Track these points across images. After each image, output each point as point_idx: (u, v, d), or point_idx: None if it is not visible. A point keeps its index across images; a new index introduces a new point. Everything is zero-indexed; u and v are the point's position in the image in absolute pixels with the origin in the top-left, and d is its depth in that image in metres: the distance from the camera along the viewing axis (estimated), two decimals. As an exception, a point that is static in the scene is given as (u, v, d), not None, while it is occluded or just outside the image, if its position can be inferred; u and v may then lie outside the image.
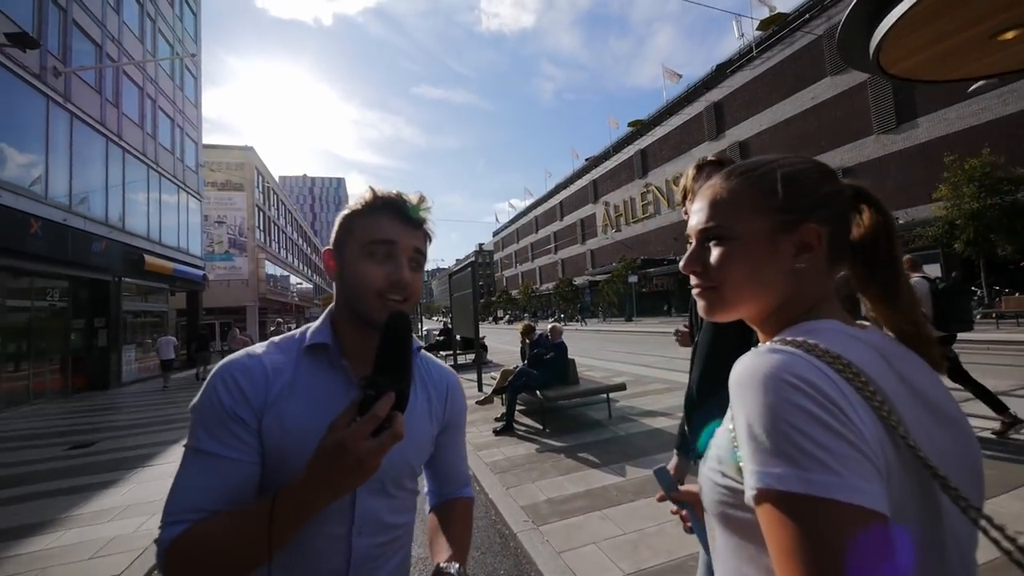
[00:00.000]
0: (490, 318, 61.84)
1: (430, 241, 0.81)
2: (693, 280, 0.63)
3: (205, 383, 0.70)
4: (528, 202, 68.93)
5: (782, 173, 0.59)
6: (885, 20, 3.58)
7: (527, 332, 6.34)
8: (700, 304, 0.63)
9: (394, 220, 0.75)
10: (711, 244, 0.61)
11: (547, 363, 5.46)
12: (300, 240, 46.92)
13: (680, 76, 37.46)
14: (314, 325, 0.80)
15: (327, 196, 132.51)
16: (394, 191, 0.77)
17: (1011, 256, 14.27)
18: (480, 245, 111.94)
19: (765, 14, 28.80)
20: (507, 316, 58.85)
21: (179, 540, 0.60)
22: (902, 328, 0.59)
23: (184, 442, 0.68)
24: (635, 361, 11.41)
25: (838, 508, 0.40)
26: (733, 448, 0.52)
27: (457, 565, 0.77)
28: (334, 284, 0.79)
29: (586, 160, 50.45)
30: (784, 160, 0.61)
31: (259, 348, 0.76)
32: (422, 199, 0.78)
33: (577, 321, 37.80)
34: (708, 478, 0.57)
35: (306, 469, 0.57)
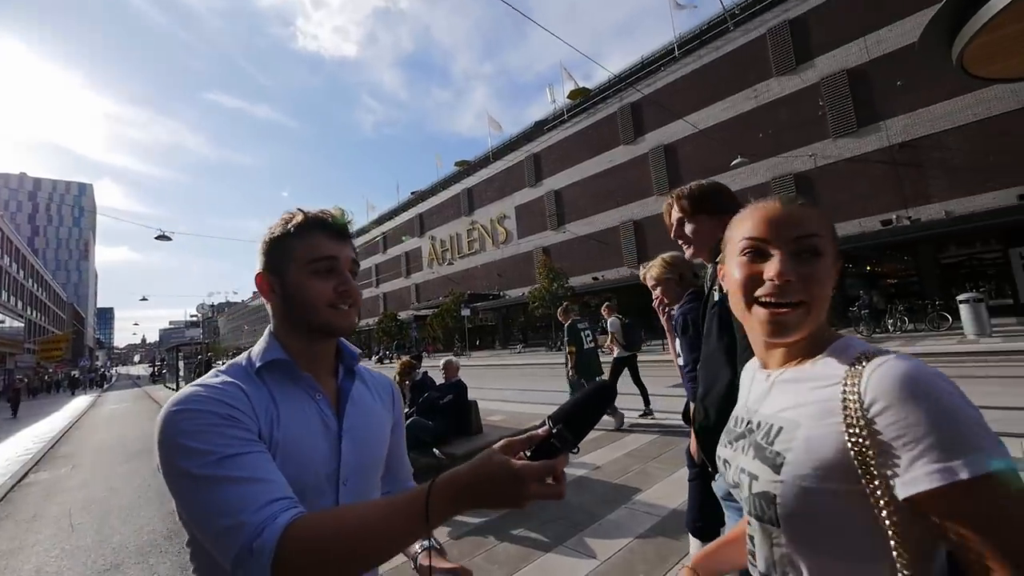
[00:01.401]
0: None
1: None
2: (778, 292, 0.64)
3: (162, 421, 0.66)
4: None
5: (828, 214, 0.70)
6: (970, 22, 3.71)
7: (406, 372, 4.90)
8: (778, 324, 0.65)
9: (329, 237, 0.80)
10: (807, 255, 0.65)
11: (444, 409, 4.22)
12: (8, 261, 33.23)
13: (500, 127, 40.59)
14: (257, 347, 0.81)
15: (61, 206, 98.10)
16: (315, 209, 0.82)
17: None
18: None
19: (572, 86, 33.66)
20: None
21: (297, 527, 0.57)
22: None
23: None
24: (529, 399, 10.16)
25: (1011, 466, 0.50)
26: (859, 458, 0.56)
27: (429, 540, 0.82)
28: (271, 304, 0.82)
29: (412, 193, 49.83)
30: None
31: (209, 380, 0.74)
32: (342, 212, 0.83)
33: (387, 359, 35.15)
34: (802, 489, 0.60)
35: (468, 470, 0.58)
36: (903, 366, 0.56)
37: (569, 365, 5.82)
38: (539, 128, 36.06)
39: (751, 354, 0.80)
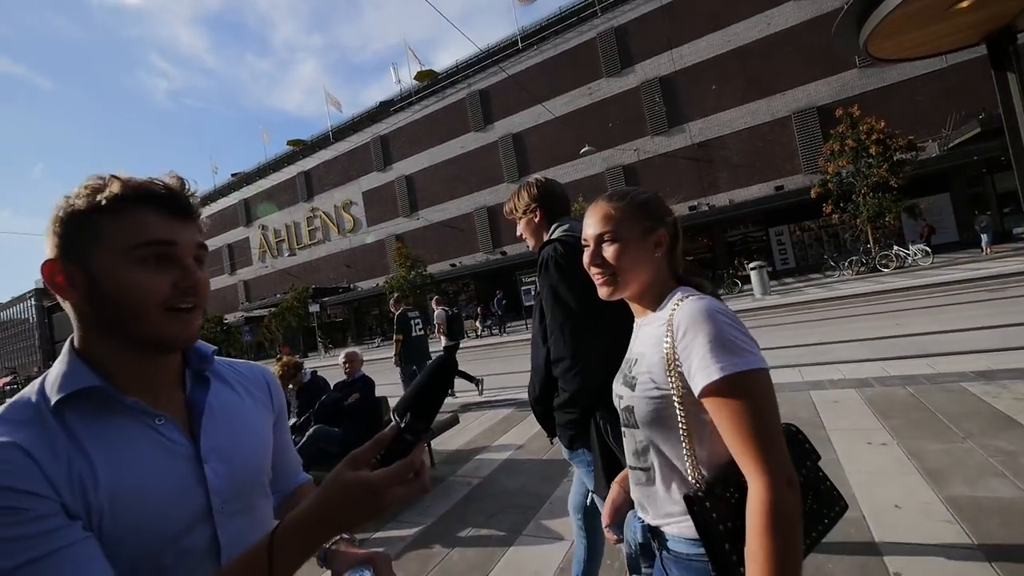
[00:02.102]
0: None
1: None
2: (595, 271, 0.94)
3: None
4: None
5: (642, 198, 0.94)
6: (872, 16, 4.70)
7: (290, 373, 3.93)
8: (604, 290, 0.93)
9: (161, 214, 0.59)
10: (605, 244, 0.92)
11: (350, 411, 3.54)
12: None
13: (340, 105, 37.19)
14: (53, 372, 0.58)
15: None
16: (140, 177, 0.60)
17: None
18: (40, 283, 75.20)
19: (417, 66, 32.51)
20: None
21: None
22: (695, 286, 0.94)
23: None
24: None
25: (763, 371, 0.76)
26: (667, 366, 0.82)
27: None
28: (70, 305, 0.59)
29: (233, 175, 42.54)
30: (640, 190, 0.97)
31: None
32: (182, 182, 0.63)
33: None
34: (643, 397, 0.86)
35: (313, 505, 0.53)
36: (698, 303, 0.82)
37: (394, 352, 6.09)
38: (385, 109, 34.01)
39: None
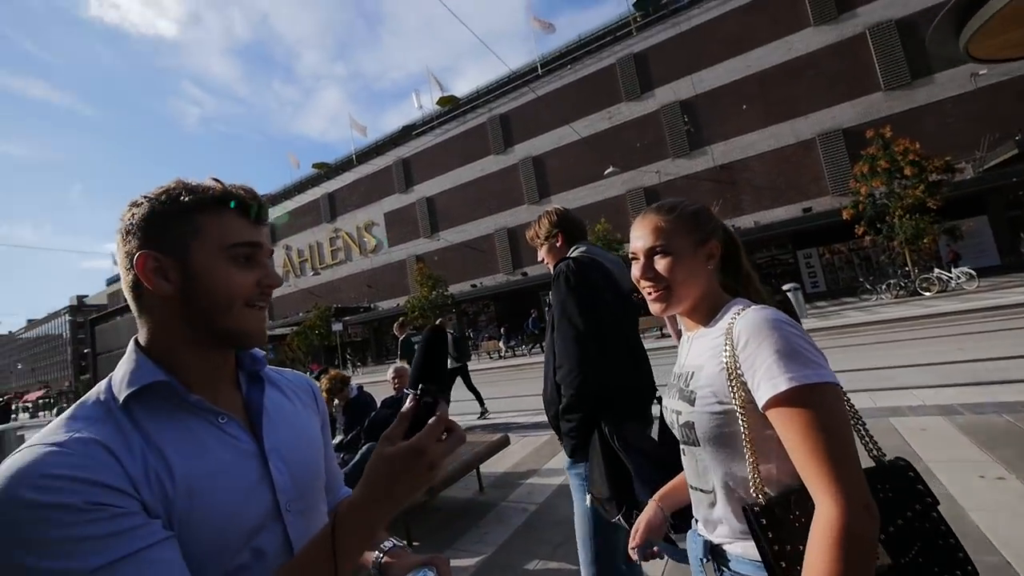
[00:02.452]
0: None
1: None
2: (646, 286, 0.91)
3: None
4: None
5: (692, 209, 0.92)
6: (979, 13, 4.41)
7: (338, 387, 3.79)
8: (657, 305, 0.90)
9: (246, 219, 0.64)
10: (657, 258, 0.89)
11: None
12: None
13: (365, 130, 38.26)
14: (119, 371, 0.60)
15: None
16: (213, 181, 0.64)
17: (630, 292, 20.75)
18: (80, 299, 77.74)
19: (439, 92, 33.40)
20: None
21: None
22: (756, 300, 0.90)
23: None
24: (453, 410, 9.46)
25: (833, 385, 0.71)
26: (729, 380, 0.78)
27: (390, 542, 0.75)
28: (158, 297, 0.60)
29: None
30: (688, 202, 0.94)
31: (53, 436, 0.51)
32: (255, 194, 0.67)
33: None
34: (705, 412, 0.82)
35: (365, 486, 0.54)
36: (761, 312, 0.79)
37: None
38: (407, 133, 34.88)
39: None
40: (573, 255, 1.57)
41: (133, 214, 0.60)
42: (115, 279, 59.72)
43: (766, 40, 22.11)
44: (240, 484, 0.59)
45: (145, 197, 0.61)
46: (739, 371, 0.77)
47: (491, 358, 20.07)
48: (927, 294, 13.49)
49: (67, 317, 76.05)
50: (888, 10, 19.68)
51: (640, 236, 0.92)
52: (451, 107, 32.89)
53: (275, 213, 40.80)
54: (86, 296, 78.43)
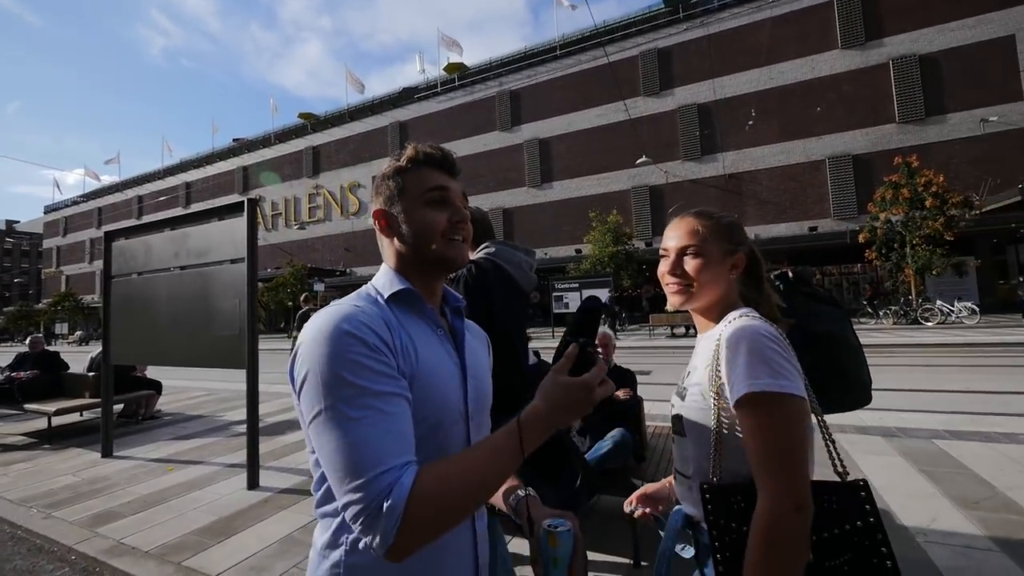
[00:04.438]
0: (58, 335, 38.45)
1: None
2: (670, 280, 0.97)
3: (324, 339, 0.64)
4: (119, 176, 48.77)
5: (727, 221, 0.99)
6: None
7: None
8: (676, 298, 0.98)
9: (439, 171, 0.80)
10: (687, 257, 0.96)
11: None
12: None
13: (363, 86, 36.05)
14: (380, 280, 0.80)
15: None
16: (424, 145, 0.81)
17: (630, 287, 20.47)
18: (9, 223, 70.07)
19: (447, 57, 31.82)
20: (78, 333, 38.34)
21: (421, 483, 0.58)
22: (766, 313, 0.94)
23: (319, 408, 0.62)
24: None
25: (795, 398, 0.77)
26: (711, 380, 0.87)
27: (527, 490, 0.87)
28: (387, 239, 0.81)
29: (235, 140, 40.65)
30: (724, 213, 1.01)
31: (352, 300, 0.73)
32: (449, 152, 0.83)
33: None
34: (691, 407, 0.92)
35: (544, 400, 0.65)
36: (747, 322, 0.86)
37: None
38: (408, 95, 33.09)
39: None
40: (477, 257, 1.63)
41: (376, 179, 0.83)
42: (54, 207, 54.13)
43: (792, 56, 22.14)
44: (452, 383, 0.75)
45: (384, 168, 0.81)
46: (719, 372, 0.86)
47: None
48: (927, 324, 13.84)
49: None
50: (915, 44, 20.07)
51: (675, 236, 0.99)
52: (459, 75, 31.42)
53: (250, 161, 37.99)
54: (17, 222, 71.06)
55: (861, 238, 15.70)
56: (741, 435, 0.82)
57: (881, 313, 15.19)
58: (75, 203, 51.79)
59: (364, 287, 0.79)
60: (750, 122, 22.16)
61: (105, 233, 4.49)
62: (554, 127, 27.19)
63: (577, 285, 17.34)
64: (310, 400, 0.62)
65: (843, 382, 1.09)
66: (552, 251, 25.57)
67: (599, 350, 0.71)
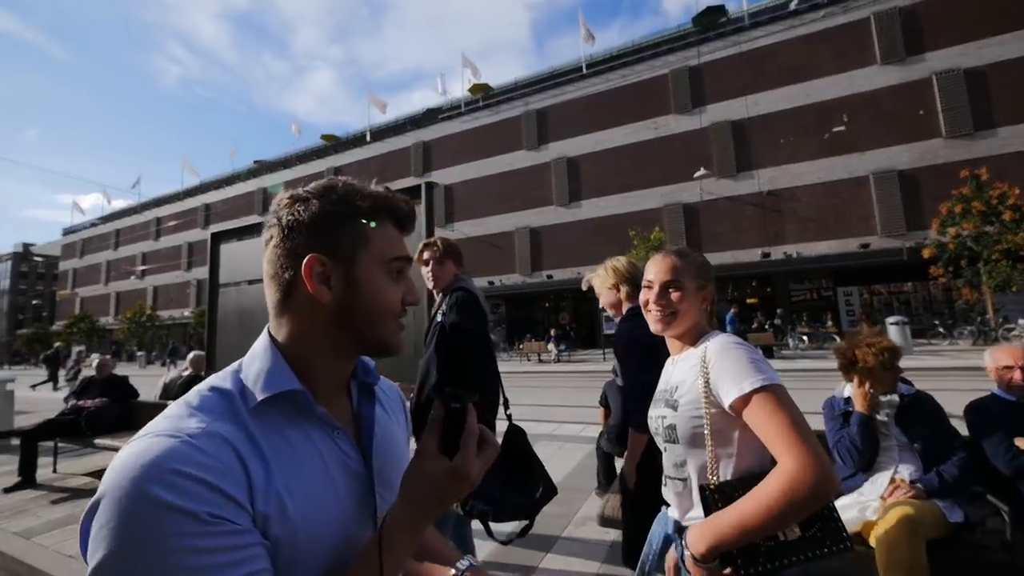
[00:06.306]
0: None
1: None
2: (655, 308, 1.14)
3: (129, 515, 0.42)
4: (136, 200, 49.06)
5: (701, 260, 1.19)
6: None
7: None
8: (659, 325, 1.14)
9: (400, 231, 0.65)
10: (670, 290, 1.13)
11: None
12: None
13: (385, 106, 36.25)
14: (255, 367, 0.57)
15: None
16: (380, 188, 0.63)
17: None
18: (26, 246, 70.42)
19: (471, 79, 31.94)
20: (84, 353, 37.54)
21: None
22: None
23: None
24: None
25: (782, 387, 0.93)
26: (704, 390, 1.02)
27: (468, 559, 0.71)
28: (307, 297, 0.58)
29: (256, 162, 40.79)
30: (699, 254, 1.20)
31: (183, 424, 0.49)
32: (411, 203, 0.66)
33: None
34: (685, 417, 1.05)
35: (407, 503, 0.55)
36: (724, 337, 1.06)
37: None
38: (432, 116, 33.14)
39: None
40: (463, 286, 1.72)
41: (298, 210, 0.57)
42: (72, 230, 54.33)
43: (829, 72, 21.85)
44: (346, 506, 0.58)
45: (309, 193, 0.59)
46: (709, 384, 1.00)
47: (529, 361, 18.49)
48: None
49: (9, 264, 68.30)
50: (959, 59, 19.73)
51: (658, 271, 1.16)
52: (482, 95, 31.47)
53: (273, 181, 38.00)
54: (33, 244, 71.43)
55: (926, 254, 14.93)
56: (733, 436, 1.00)
57: (955, 333, 14.29)
58: (93, 225, 51.95)
59: (226, 371, 0.57)
60: (789, 138, 21.74)
61: (212, 235, 3.85)
62: (581, 146, 26.90)
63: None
64: None
65: None
66: (583, 271, 24.86)
67: (474, 395, 0.57)
